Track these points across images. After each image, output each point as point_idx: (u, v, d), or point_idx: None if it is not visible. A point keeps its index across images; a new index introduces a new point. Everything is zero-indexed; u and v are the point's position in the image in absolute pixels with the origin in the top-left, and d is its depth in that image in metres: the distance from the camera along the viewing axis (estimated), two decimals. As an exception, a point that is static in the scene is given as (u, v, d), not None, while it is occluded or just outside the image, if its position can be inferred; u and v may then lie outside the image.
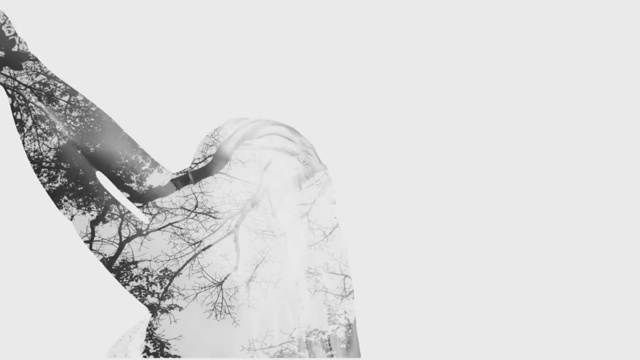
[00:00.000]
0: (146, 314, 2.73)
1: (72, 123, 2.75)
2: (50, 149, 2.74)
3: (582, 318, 2.93)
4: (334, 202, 2.80)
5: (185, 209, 2.77)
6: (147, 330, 2.72)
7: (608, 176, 3.00)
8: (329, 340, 2.74)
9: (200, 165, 2.80)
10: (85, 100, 2.77)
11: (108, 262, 2.73)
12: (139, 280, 2.74)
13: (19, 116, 2.74)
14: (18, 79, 2.75)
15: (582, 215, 2.99)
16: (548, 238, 2.97)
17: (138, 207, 2.75)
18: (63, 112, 2.75)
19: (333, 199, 2.80)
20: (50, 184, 2.74)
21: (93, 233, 2.73)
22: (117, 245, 2.73)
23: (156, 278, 2.74)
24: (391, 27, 3.01)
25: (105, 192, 2.74)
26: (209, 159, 2.79)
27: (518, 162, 2.99)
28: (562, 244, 2.97)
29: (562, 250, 2.97)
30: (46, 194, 2.75)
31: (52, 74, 2.76)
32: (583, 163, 3.00)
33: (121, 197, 2.76)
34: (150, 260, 2.74)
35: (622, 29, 3.02)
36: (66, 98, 2.76)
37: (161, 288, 2.74)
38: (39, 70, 2.76)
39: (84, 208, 2.73)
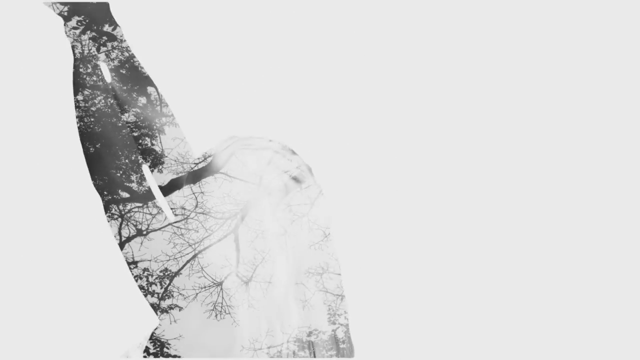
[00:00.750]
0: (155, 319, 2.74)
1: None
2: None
3: (574, 318, 2.93)
4: (331, 203, 2.80)
5: (185, 209, 2.77)
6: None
7: (606, 176, 3.00)
8: (313, 347, 2.74)
9: (200, 165, 2.80)
10: (85, 100, 2.77)
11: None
12: (139, 280, 2.74)
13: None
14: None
15: (573, 214, 2.99)
16: (539, 244, 2.97)
17: (138, 207, 2.75)
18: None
19: (330, 201, 2.81)
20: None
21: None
22: (117, 246, 2.73)
23: (156, 278, 2.74)
24: (388, 33, 3.01)
25: (105, 192, 2.74)
26: (209, 159, 2.80)
27: (515, 165, 2.99)
28: (556, 244, 2.97)
29: (558, 250, 2.97)
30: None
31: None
32: (579, 163, 3.00)
33: (157, 193, 2.76)
34: (150, 260, 2.74)
35: (623, 29, 3.02)
36: (66, 98, 2.76)
37: (161, 288, 2.74)
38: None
39: (84, 208, 2.74)
